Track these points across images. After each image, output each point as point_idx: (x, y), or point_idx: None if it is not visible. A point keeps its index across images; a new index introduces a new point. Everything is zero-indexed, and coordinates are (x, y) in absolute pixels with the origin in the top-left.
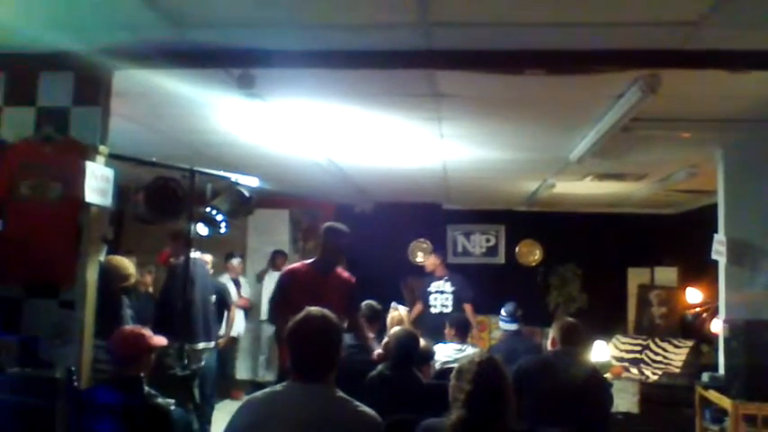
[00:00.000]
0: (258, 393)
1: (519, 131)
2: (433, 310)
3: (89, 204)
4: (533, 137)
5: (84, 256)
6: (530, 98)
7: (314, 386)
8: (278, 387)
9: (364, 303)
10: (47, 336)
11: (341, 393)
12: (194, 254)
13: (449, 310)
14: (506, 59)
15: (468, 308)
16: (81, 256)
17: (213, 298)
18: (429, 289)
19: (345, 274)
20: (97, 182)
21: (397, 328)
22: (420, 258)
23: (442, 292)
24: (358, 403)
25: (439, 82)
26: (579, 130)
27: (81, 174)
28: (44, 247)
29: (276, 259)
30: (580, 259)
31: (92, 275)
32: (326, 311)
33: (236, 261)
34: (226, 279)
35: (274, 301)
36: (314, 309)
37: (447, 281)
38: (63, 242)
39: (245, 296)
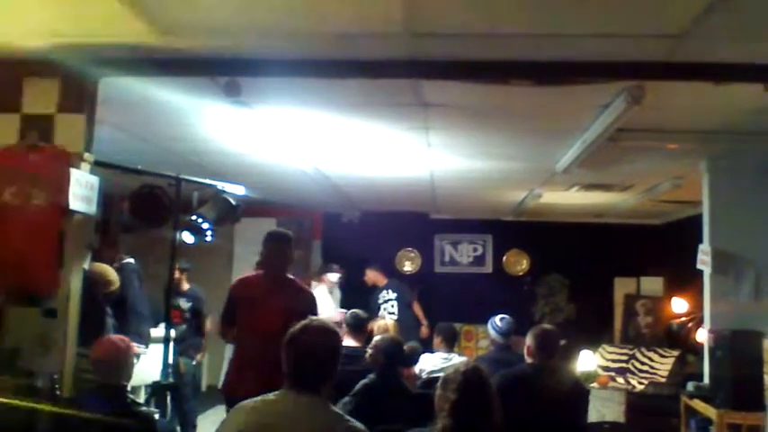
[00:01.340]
0: (249, 401)
1: (505, 141)
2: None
3: (73, 212)
4: (520, 147)
5: (68, 264)
6: (516, 108)
7: (307, 398)
8: (270, 396)
9: (349, 312)
10: (29, 344)
11: (333, 407)
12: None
13: (396, 315)
14: (492, 70)
15: (415, 307)
16: (65, 264)
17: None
18: (378, 301)
19: (301, 284)
20: (82, 189)
21: (378, 338)
22: (408, 267)
23: (387, 301)
24: (349, 419)
25: (425, 91)
26: (565, 141)
27: (65, 181)
28: (27, 255)
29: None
30: (567, 269)
31: (75, 284)
32: (327, 322)
33: (332, 276)
34: (321, 291)
35: (223, 311)
36: (315, 318)
37: (388, 288)
38: (46, 250)
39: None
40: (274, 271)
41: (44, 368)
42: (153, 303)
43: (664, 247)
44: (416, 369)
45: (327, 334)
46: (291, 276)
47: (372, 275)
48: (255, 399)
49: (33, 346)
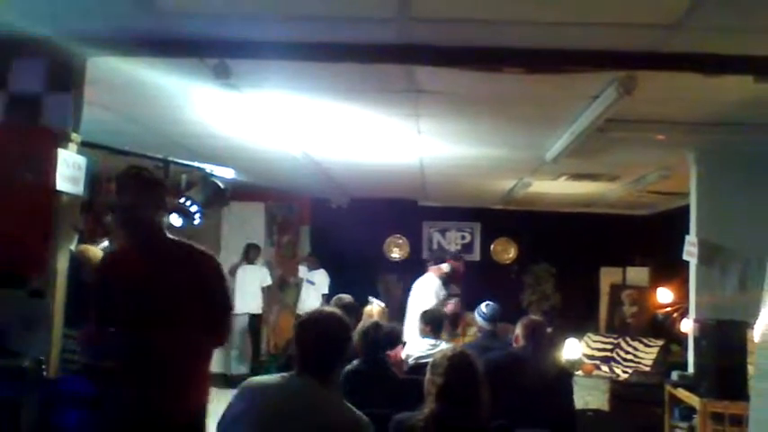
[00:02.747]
0: (256, 380)
1: (496, 130)
2: None
3: (60, 192)
4: (510, 135)
5: (55, 246)
6: (507, 96)
7: (315, 384)
8: (278, 377)
9: (335, 297)
10: (15, 325)
11: (338, 393)
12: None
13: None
14: (485, 57)
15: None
16: (51, 244)
17: None
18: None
19: (191, 246)
20: (69, 170)
21: (360, 324)
22: (395, 254)
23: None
24: (352, 407)
25: (417, 78)
26: (555, 130)
27: (52, 161)
28: (13, 236)
29: (249, 253)
30: (554, 258)
31: (62, 265)
32: (337, 310)
33: (445, 266)
34: (430, 279)
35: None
36: (326, 307)
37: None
38: (33, 231)
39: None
40: (144, 233)
41: (30, 349)
42: None
43: (650, 237)
44: (403, 354)
45: (339, 322)
46: (173, 237)
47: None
48: (264, 378)
49: (19, 327)
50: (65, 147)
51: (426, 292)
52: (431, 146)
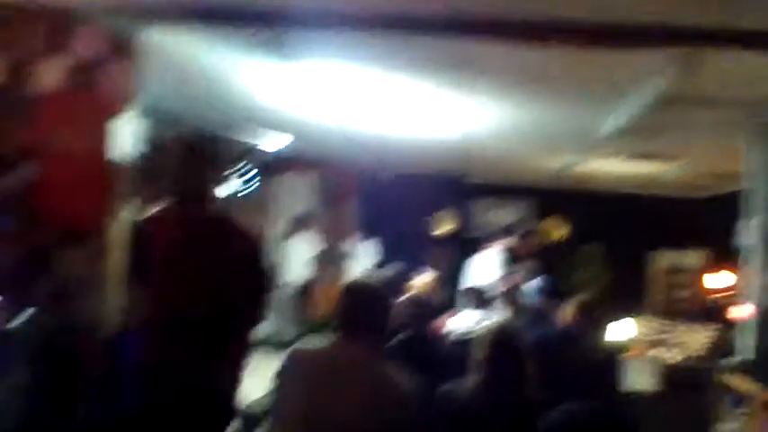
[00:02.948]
0: (303, 345)
1: (549, 105)
2: None
3: (117, 160)
4: (564, 112)
5: (113, 211)
6: (563, 72)
7: (358, 348)
8: (324, 342)
9: (383, 268)
10: (73, 284)
11: (382, 358)
12: None
13: None
14: (540, 30)
15: None
16: (110, 210)
17: None
18: None
19: (234, 224)
20: (125, 137)
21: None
22: (443, 229)
23: None
24: (398, 372)
25: (470, 51)
26: (611, 108)
27: (110, 128)
28: (75, 197)
29: (299, 223)
30: (606, 239)
31: (119, 228)
32: (381, 278)
33: (512, 241)
34: (492, 254)
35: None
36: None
37: None
38: (93, 192)
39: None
40: (191, 204)
41: (87, 310)
42: None
43: (706, 220)
44: (450, 327)
45: (382, 289)
46: (219, 212)
47: None
48: (310, 344)
49: (78, 288)
50: (122, 115)
51: (485, 266)
52: (482, 121)
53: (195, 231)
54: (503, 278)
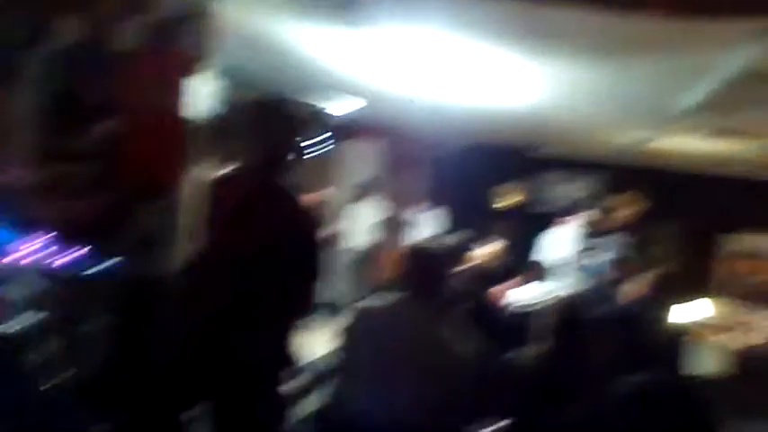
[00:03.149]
0: (368, 304)
1: (626, 77)
2: None
3: (195, 117)
4: (641, 82)
5: (189, 166)
6: (644, 41)
7: (422, 307)
8: (389, 301)
9: (448, 236)
10: (148, 237)
11: (446, 318)
12: None
13: None
14: None
15: None
16: (186, 165)
17: None
18: None
19: (296, 203)
20: (203, 95)
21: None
22: (510, 201)
23: None
24: (459, 334)
25: (546, 15)
26: (691, 82)
27: (189, 86)
28: (153, 153)
29: (365, 189)
30: (678, 218)
31: (193, 185)
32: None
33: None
34: (568, 231)
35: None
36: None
37: None
38: (171, 149)
39: None
40: (258, 170)
41: (164, 261)
42: None
43: None
44: (513, 298)
45: (447, 252)
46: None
47: None
48: (374, 303)
49: (156, 236)
50: (200, 73)
51: (561, 239)
52: (553, 89)
53: (257, 198)
54: (579, 252)
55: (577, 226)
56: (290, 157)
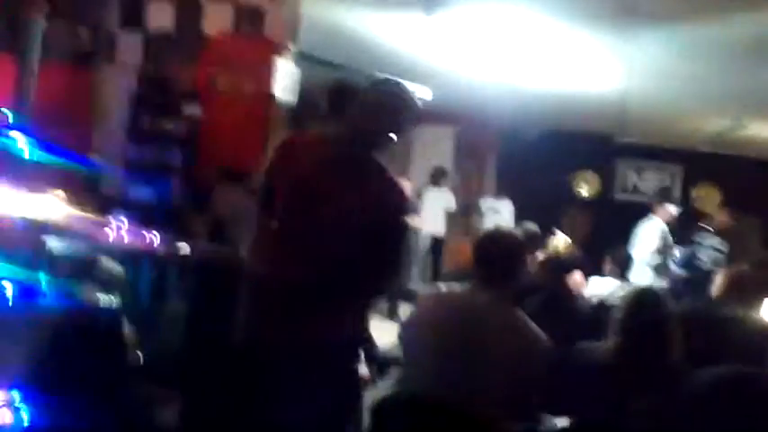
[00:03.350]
0: (436, 291)
1: (714, 61)
2: None
3: (277, 100)
4: (731, 68)
5: (269, 151)
6: (735, 19)
7: (494, 294)
8: (457, 289)
9: (520, 225)
10: (232, 217)
11: (516, 308)
12: None
13: None
14: None
15: None
16: (268, 147)
17: None
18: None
19: (395, 179)
20: (286, 79)
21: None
22: (584, 191)
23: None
24: (532, 323)
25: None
26: None
27: (273, 70)
28: (236, 137)
29: (436, 176)
30: (764, 210)
31: None
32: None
33: (673, 208)
34: (656, 224)
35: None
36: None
37: None
38: (252, 134)
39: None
40: (351, 142)
41: (244, 239)
42: None
43: None
44: (586, 292)
45: (517, 239)
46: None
47: None
48: (442, 291)
49: (236, 219)
50: (284, 57)
51: (649, 237)
52: (638, 73)
53: (345, 167)
54: (662, 245)
55: (662, 218)
56: (382, 136)
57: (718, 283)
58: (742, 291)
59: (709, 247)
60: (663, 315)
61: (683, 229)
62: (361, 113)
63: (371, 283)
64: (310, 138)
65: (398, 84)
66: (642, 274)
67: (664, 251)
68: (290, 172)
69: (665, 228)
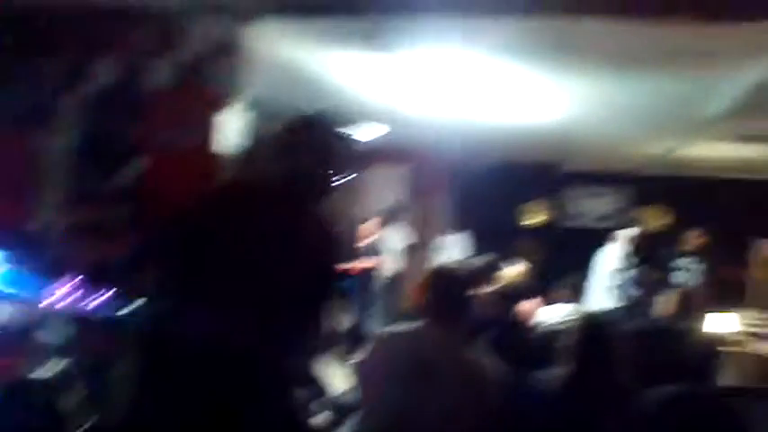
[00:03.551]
0: (389, 330)
1: (653, 87)
2: None
3: (223, 152)
4: (667, 91)
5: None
6: (669, 50)
7: (444, 331)
8: (410, 326)
9: (472, 258)
10: None
11: (469, 341)
12: None
13: None
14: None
15: None
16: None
17: None
18: None
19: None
20: (231, 131)
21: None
22: (536, 220)
23: None
24: (484, 357)
25: (573, 31)
26: (718, 87)
27: (216, 123)
28: (182, 191)
29: (390, 214)
30: (709, 227)
31: None
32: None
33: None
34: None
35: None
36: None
37: None
38: (198, 186)
39: None
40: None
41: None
42: None
43: None
44: (541, 317)
45: (467, 275)
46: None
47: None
48: (395, 329)
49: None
50: (228, 109)
51: (608, 261)
52: (578, 104)
53: (278, 209)
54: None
55: (621, 242)
56: (323, 181)
57: (667, 302)
58: (689, 306)
59: (684, 268)
60: (608, 338)
61: (628, 253)
62: (291, 153)
63: (306, 323)
64: (239, 183)
65: (323, 118)
66: (602, 298)
67: (621, 273)
68: (216, 218)
69: (625, 251)
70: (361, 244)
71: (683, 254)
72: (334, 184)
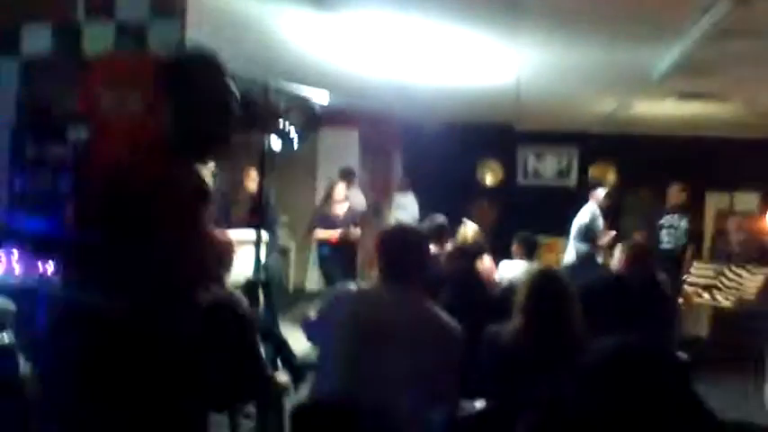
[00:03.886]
0: (346, 288)
1: (599, 47)
2: None
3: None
4: (614, 53)
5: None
6: (613, 10)
7: (402, 287)
8: (366, 285)
9: (428, 218)
10: None
11: (426, 298)
12: None
13: None
14: None
15: None
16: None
17: None
18: None
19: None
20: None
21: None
22: (489, 179)
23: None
24: (440, 310)
25: None
26: (663, 46)
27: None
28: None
29: (345, 177)
30: (656, 183)
31: None
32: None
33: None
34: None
35: None
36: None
37: None
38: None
39: None
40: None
41: None
42: None
43: (761, 161)
44: (497, 276)
45: (416, 232)
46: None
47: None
48: (352, 288)
49: None
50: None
51: (578, 221)
52: (529, 66)
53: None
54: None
55: (594, 201)
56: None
57: (615, 257)
58: (638, 262)
59: (674, 226)
60: (557, 292)
61: (583, 209)
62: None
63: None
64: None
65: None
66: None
67: (590, 230)
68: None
69: (596, 210)
70: (336, 212)
71: (668, 211)
72: (284, 149)
